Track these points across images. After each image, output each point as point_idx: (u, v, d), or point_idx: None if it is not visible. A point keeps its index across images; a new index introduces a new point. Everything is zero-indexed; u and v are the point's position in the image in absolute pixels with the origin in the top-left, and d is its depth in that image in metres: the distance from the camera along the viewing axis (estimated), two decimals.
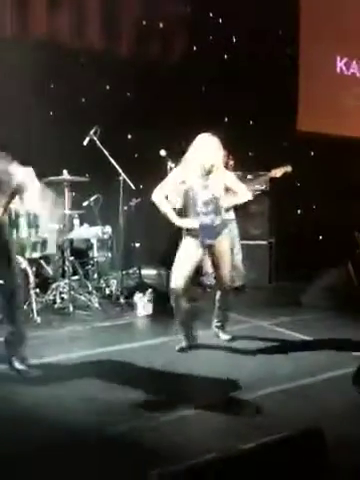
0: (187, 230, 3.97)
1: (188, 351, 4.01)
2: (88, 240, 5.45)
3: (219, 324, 4.32)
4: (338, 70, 8.05)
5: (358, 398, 2.37)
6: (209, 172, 3.93)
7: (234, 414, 3.00)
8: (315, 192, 7.27)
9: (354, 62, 8.14)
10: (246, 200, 4.22)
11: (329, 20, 7.66)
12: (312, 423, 1.72)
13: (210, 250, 4.03)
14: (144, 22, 6.77)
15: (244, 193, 4.15)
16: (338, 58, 8.03)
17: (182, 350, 4.02)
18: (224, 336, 4.30)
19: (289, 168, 5.95)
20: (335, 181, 7.39)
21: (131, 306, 5.12)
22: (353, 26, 7.80)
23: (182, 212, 4.02)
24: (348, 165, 7.50)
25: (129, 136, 6.66)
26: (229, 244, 4.16)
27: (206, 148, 3.93)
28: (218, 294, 4.21)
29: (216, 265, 4.08)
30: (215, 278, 4.28)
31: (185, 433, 2.77)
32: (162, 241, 5.73)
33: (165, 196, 4.03)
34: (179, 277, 3.90)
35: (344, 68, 8.08)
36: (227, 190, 4.06)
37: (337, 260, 6.12)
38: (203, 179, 3.93)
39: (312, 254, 7.40)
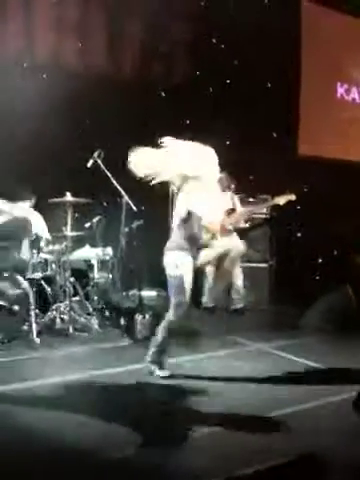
0: (185, 249, 3.86)
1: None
2: (89, 261, 5.46)
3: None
4: (338, 96, 8.16)
5: (358, 423, 2.36)
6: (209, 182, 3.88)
7: (233, 439, 2.97)
8: (315, 215, 7.31)
9: (354, 88, 8.25)
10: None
11: (330, 46, 7.80)
12: (311, 448, 1.72)
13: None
14: (147, 45, 6.88)
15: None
16: (338, 84, 8.15)
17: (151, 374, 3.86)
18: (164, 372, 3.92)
19: (293, 196, 6.01)
20: (335, 204, 7.44)
21: (131, 328, 5.11)
22: (354, 52, 7.93)
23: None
24: (348, 189, 7.55)
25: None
26: None
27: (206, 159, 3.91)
28: None
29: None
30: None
31: (184, 458, 2.75)
32: (162, 263, 5.72)
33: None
34: (183, 307, 3.78)
35: (344, 94, 8.19)
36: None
37: (337, 282, 6.13)
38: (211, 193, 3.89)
39: (312, 276, 7.43)
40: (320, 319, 5.47)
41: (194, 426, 3.07)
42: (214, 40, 7.25)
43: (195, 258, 3.89)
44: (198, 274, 6.05)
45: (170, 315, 3.83)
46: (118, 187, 5.37)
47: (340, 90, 8.13)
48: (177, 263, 3.83)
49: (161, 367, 3.87)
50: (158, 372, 3.85)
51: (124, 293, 5.72)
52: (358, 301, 5.93)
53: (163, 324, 3.87)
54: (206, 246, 4.66)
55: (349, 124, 8.04)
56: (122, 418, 3.19)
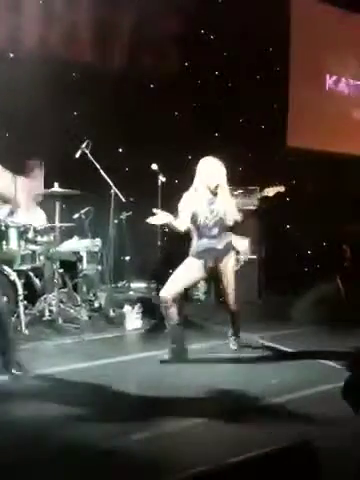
0: (191, 252, 4.07)
1: (170, 364, 3.96)
2: (78, 253, 5.43)
3: (232, 335, 4.38)
4: (327, 87, 8.17)
5: (348, 411, 2.37)
6: (215, 194, 4.03)
7: (224, 428, 2.98)
8: (304, 207, 7.33)
9: (343, 80, 8.27)
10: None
11: (319, 38, 7.79)
12: (303, 436, 1.73)
13: (214, 272, 4.09)
14: (136, 37, 6.83)
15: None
16: (328, 76, 8.16)
17: (163, 362, 3.97)
18: (233, 346, 4.34)
19: (282, 188, 6.00)
20: (324, 196, 7.47)
21: (120, 319, 5.10)
22: (342, 44, 7.94)
23: (189, 234, 4.11)
24: (336, 180, 7.58)
25: (120, 150, 6.68)
26: (233, 265, 4.14)
27: (209, 170, 4.05)
28: (229, 318, 4.32)
29: (221, 287, 4.18)
30: (222, 300, 4.34)
31: (177, 447, 2.75)
32: (152, 254, 5.72)
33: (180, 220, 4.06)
34: (170, 287, 3.95)
35: (333, 86, 8.20)
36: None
37: (326, 274, 6.16)
38: (209, 202, 4.02)
39: (301, 268, 7.46)
40: (309, 310, 5.49)
41: (184, 416, 3.07)
42: (202, 31, 7.22)
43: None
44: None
45: None
46: (106, 178, 5.34)
47: (329, 82, 8.14)
48: None
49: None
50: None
51: (113, 285, 5.71)
52: (347, 293, 5.97)
53: None
54: None
55: (338, 116, 8.05)
56: (109, 409, 3.19)
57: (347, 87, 8.33)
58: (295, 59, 7.70)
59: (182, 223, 4.01)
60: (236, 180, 6.59)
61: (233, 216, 4.07)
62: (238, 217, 4.10)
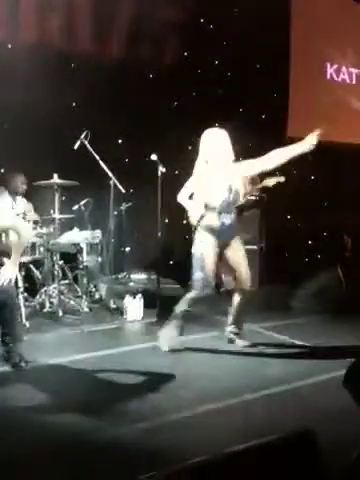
0: (206, 228, 3.92)
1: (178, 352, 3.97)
2: (78, 244, 5.41)
3: (235, 330, 4.18)
4: (328, 76, 8.10)
5: (349, 400, 2.36)
6: (224, 165, 3.88)
7: (226, 417, 2.98)
8: (305, 197, 7.30)
9: (344, 68, 8.19)
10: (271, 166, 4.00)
11: (320, 27, 7.71)
12: (304, 425, 1.71)
13: (226, 250, 3.97)
14: (135, 26, 6.77)
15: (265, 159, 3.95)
16: (328, 65, 8.09)
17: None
18: (242, 342, 4.15)
19: (282, 178, 5.96)
20: (325, 186, 7.43)
21: (121, 310, 5.09)
22: (343, 33, 7.86)
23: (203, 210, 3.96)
24: (338, 171, 7.54)
25: (120, 140, 6.64)
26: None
27: (222, 144, 3.92)
28: (237, 298, 4.09)
29: (234, 266, 4.00)
30: (234, 280, 4.11)
31: (177, 437, 2.75)
32: (152, 246, 5.70)
33: (189, 195, 4.05)
34: (206, 284, 3.90)
35: (334, 75, 8.14)
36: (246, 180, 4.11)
37: (327, 264, 6.14)
38: (226, 177, 3.89)
39: (302, 258, 7.44)
40: (310, 301, 5.48)
41: (184, 407, 3.07)
42: (202, 20, 7.15)
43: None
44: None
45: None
46: (106, 169, 5.31)
47: (330, 71, 8.07)
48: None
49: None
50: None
51: (114, 276, 5.70)
52: (348, 283, 5.96)
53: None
54: None
55: (338, 105, 7.99)
56: (111, 399, 3.19)
57: (348, 76, 8.25)
58: (295, 48, 7.63)
59: (198, 203, 3.93)
60: None
61: (244, 193, 4.05)
62: (251, 191, 4.21)
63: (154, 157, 5.37)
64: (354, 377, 2.20)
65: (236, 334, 4.20)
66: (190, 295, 4.00)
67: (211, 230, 3.91)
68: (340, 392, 2.65)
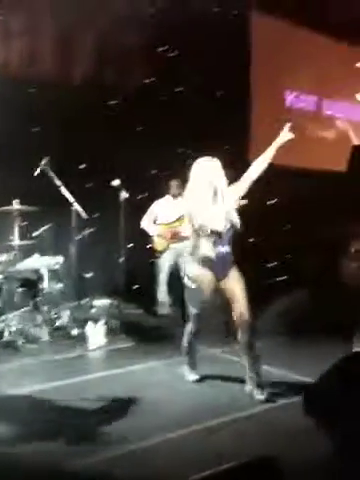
0: (201, 260, 3.64)
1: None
2: (38, 270, 5.31)
3: (252, 375, 3.68)
4: (288, 103, 8.31)
5: (312, 424, 2.36)
6: (217, 194, 3.65)
7: (189, 443, 2.94)
8: (267, 220, 7.38)
9: (303, 96, 8.43)
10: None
11: (279, 55, 7.94)
12: (267, 450, 1.69)
13: (223, 281, 3.70)
14: (98, 52, 6.82)
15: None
16: (288, 92, 8.31)
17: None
18: (259, 396, 3.60)
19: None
20: (284, 209, 7.54)
21: (83, 338, 4.99)
22: (302, 61, 8.10)
23: (196, 243, 3.67)
24: (298, 193, 7.67)
25: (82, 166, 6.61)
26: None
27: (215, 170, 3.70)
28: (241, 338, 3.70)
29: (232, 300, 3.70)
30: (232, 313, 3.74)
31: (140, 465, 2.70)
32: (116, 271, 5.65)
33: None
34: (201, 319, 3.76)
35: (294, 102, 8.35)
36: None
37: (291, 285, 6.19)
38: (213, 204, 3.63)
39: (266, 280, 7.48)
40: (275, 322, 5.49)
41: (147, 435, 3.01)
42: (164, 48, 7.26)
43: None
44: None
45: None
46: (67, 194, 5.27)
47: (290, 98, 8.29)
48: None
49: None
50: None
51: (76, 302, 5.61)
52: (313, 304, 6.00)
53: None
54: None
55: (298, 132, 8.16)
56: (72, 429, 3.11)
57: (306, 103, 8.48)
58: (255, 76, 7.81)
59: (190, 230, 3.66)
60: None
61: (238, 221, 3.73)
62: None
63: (116, 183, 5.38)
64: (310, 403, 2.21)
65: (255, 385, 3.67)
66: (188, 329, 3.89)
67: (207, 261, 3.63)
68: (299, 416, 2.66)
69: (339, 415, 2.14)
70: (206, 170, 3.71)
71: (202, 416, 3.29)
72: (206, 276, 3.65)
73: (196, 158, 3.96)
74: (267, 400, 3.55)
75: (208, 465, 1.72)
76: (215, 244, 3.62)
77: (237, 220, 3.71)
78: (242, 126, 7.71)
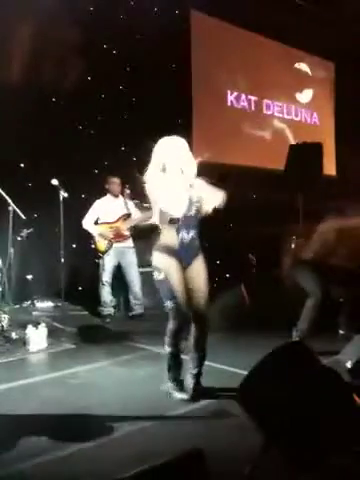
0: (165, 248, 3.36)
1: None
2: None
3: (195, 371, 3.54)
4: (229, 103, 8.42)
5: (241, 420, 2.39)
6: (179, 176, 3.31)
7: (126, 444, 2.91)
8: (209, 218, 7.44)
9: (243, 96, 8.57)
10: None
11: (219, 57, 8.04)
12: (194, 446, 1.71)
13: (187, 271, 3.40)
14: (38, 49, 6.67)
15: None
16: (229, 92, 8.42)
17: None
18: (183, 396, 3.47)
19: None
20: (228, 206, 7.62)
21: (23, 341, 4.87)
22: (241, 62, 8.24)
23: (158, 228, 3.40)
24: (240, 191, 7.78)
25: (22, 164, 6.47)
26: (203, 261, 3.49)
27: (181, 150, 3.34)
28: (194, 330, 3.50)
29: (192, 288, 3.40)
30: (189, 305, 3.42)
31: (79, 469, 2.66)
32: (57, 272, 5.56)
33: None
34: (180, 312, 3.36)
35: (234, 102, 8.48)
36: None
37: (230, 282, 6.26)
38: (186, 187, 3.32)
39: (208, 278, 7.55)
40: (216, 319, 5.54)
41: (86, 438, 2.98)
42: (105, 45, 7.21)
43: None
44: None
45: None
46: (4, 194, 5.14)
47: (230, 98, 8.40)
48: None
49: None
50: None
51: (17, 305, 5.48)
52: (251, 300, 6.10)
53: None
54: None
55: (237, 130, 8.31)
56: (11, 433, 3.03)
57: (247, 103, 8.63)
58: (196, 76, 7.88)
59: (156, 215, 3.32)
60: (143, 194, 6.62)
61: (214, 201, 3.38)
62: (220, 200, 3.37)
63: (55, 182, 5.29)
64: (244, 393, 2.24)
65: (194, 377, 3.57)
66: (170, 328, 3.49)
67: (170, 249, 3.34)
68: (235, 411, 2.68)
69: (272, 403, 2.18)
70: (167, 151, 3.33)
71: (138, 417, 3.26)
72: (172, 265, 3.34)
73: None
74: (192, 399, 3.45)
75: (136, 465, 1.72)
76: (178, 231, 3.33)
77: (205, 205, 3.36)
78: (184, 125, 7.75)
